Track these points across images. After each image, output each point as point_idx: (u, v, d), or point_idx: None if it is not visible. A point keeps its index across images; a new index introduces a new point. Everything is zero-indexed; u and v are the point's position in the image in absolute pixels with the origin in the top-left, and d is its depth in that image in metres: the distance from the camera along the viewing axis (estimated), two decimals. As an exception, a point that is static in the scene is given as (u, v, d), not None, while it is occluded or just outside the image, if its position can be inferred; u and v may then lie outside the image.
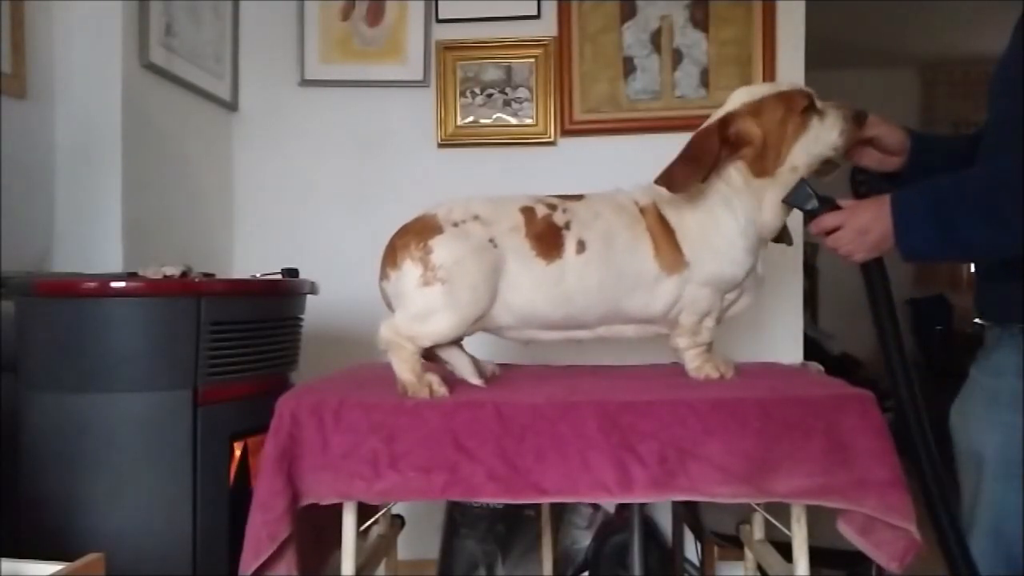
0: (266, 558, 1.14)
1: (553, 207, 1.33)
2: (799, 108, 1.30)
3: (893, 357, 1.25)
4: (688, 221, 1.33)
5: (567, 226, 1.30)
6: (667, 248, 1.32)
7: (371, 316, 1.33)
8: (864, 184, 1.38)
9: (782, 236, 1.41)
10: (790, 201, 1.29)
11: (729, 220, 1.32)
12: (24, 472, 1.38)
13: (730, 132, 1.30)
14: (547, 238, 1.29)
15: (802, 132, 1.30)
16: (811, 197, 1.27)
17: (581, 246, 1.29)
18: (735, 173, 1.32)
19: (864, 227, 1.22)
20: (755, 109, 1.31)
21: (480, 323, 1.31)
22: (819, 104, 1.32)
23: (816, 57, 2.34)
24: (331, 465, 1.16)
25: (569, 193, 1.40)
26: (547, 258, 1.28)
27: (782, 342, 2.24)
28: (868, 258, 1.25)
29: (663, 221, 1.33)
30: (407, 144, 2.36)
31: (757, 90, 1.35)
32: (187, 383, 1.39)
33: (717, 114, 1.34)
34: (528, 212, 1.31)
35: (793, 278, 2.27)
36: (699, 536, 2.04)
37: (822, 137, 1.31)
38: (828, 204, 1.26)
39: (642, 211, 1.34)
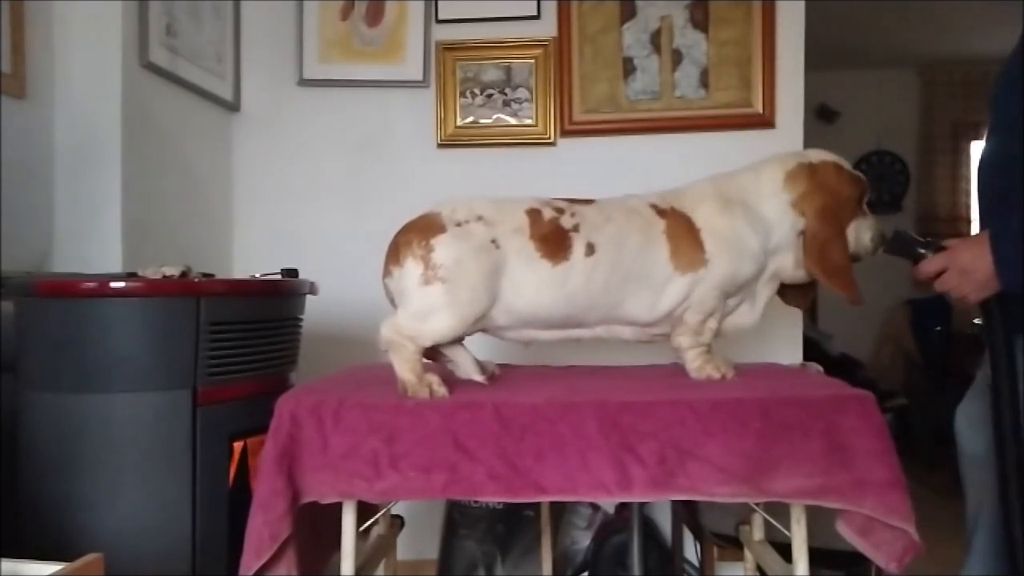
0: (267, 558, 1.14)
1: (561, 211, 1.32)
2: (861, 194, 1.34)
3: (1004, 402, 1.24)
4: (718, 220, 1.33)
5: (576, 229, 1.30)
6: (687, 247, 1.31)
7: (371, 316, 1.33)
8: (892, 248, 1.36)
9: None
10: (892, 250, 1.27)
11: (748, 228, 1.33)
12: (23, 472, 1.38)
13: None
14: (553, 240, 1.28)
15: (854, 218, 1.34)
16: (914, 244, 1.26)
17: (590, 248, 1.29)
18: (790, 217, 1.33)
19: (966, 267, 1.22)
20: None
21: (480, 323, 1.30)
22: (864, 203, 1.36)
23: (816, 57, 2.34)
24: (331, 465, 1.16)
25: (569, 194, 1.40)
26: (553, 259, 1.28)
27: (782, 343, 2.23)
28: (982, 297, 1.24)
29: (687, 221, 1.33)
30: (407, 144, 2.36)
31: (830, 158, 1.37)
32: (186, 383, 1.39)
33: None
34: (534, 214, 1.31)
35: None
36: (698, 536, 2.04)
37: (861, 230, 1.35)
38: (931, 246, 1.25)
39: (661, 214, 1.34)
